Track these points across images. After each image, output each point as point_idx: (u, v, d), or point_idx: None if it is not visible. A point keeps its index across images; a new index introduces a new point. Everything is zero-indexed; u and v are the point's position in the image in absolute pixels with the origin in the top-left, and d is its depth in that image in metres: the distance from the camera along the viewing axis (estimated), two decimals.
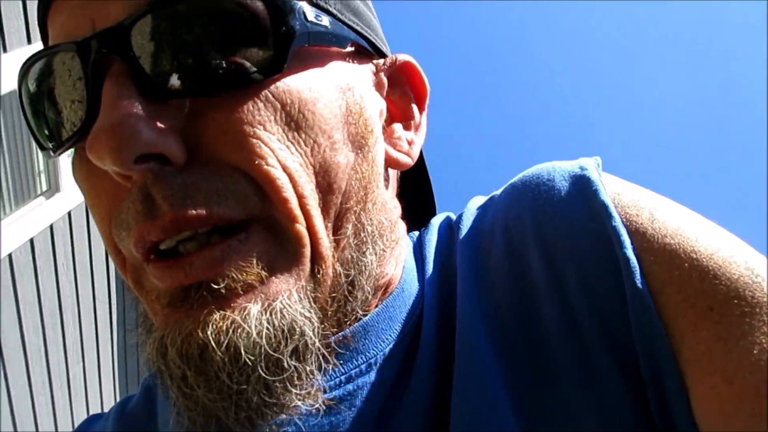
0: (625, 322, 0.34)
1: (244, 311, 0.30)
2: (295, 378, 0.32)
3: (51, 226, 2.66)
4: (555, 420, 0.34)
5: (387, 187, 0.41)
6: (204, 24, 0.31)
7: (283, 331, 0.31)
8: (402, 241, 0.44)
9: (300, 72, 0.34)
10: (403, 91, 0.43)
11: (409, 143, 0.42)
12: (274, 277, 0.32)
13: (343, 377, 0.37)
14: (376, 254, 0.37)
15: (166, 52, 0.31)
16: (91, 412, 3.15)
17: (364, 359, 0.37)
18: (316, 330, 0.32)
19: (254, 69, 0.32)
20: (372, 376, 0.37)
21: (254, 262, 0.32)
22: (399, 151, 0.41)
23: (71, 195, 2.76)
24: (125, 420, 0.46)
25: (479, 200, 0.46)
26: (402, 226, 0.45)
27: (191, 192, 0.31)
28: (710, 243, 0.34)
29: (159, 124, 0.31)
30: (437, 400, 0.36)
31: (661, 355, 0.32)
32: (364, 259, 0.36)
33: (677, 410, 0.32)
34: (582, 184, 0.38)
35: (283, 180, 0.32)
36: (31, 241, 2.58)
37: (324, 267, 0.34)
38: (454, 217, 0.47)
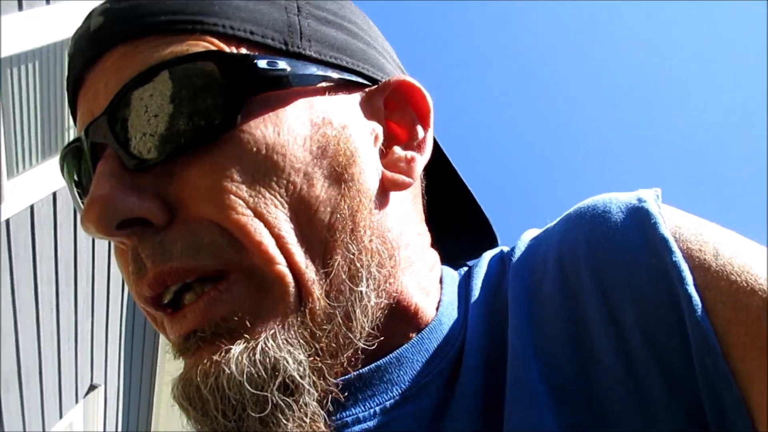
0: (686, 362, 0.33)
1: (227, 353, 0.33)
2: (287, 410, 0.33)
3: None
4: None
5: (386, 213, 0.41)
6: (162, 96, 0.35)
7: (265, 368, 0.33)
8: (431, 271, 0.44)
9: (262, 119, 0.36)
10: (404, 111, 0.43)
11: (409, 161, 0.42)
12: (257, 320, 0.34)
13: (378, 408, 0.37)
14: (374, 282, 0.38)
15: (137, 128, 0.35)
16: (94, 368, 3.21)
17: (399, 391, 0.37)
18: (303, 365, 0.34)
19: (212, 126, 0.34)
20: (408, 407, 0.37)
21: (236, 307, 0.34)
22: (397, 172, 0.41)
23: None
24: None
25: (533, 233, 0.45)
26: (429, 255, 0.45)
27: (168, 249, 0.34)
28: None
29: (138, 193, 0.34)
30: None
31: (727, 400, 0.31)
32: (358, 288, 0.37)
33: None
34: (640, 217, 0.37)
35: (255, 225, 0.34)
36: (54, 194, 2.63)
37: (311, 302, 0.35)
38: (507, 249, 0.46)
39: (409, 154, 0.42)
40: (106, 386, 3.32)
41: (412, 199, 0.45)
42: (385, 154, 0.42)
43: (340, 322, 0.36)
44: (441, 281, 0.45)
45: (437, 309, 0.42)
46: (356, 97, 0.42)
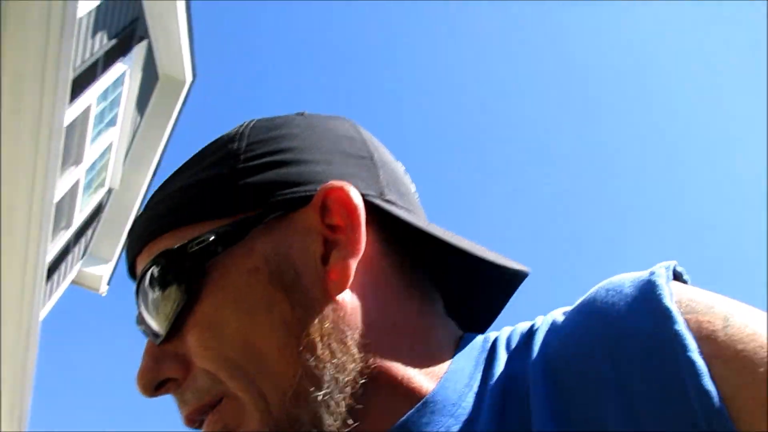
0: (693, 427, 0.34)
1: None
2: None
3: None
4: None
5: (342, 314, 0.46)
6: (152, 292, 0.48)
7: None
8: (427, 344, 0.48)
9: (212, 287, 0.46)
10: (340, 213, 0.47)
11: (343, 262, 0.46)
12: (240, 429, 0.45)
13: None
14: (336, 384, 0.43)
15: (152, 315, 0.48)
16: None
17: None
18: None
19: (181, 309, 0.46)
20: None
21: (222, 427, 0.45)
22: (335, 278, 0.46)
23: None
24: None
25: (563, 309, 0.48)
26: (420, 332, 0.49)
27: (185, 398, 0.47)
28: None
29: (161, 361, 0.47)
30: None
31: None
32: (319, 392, 0.43)
33: None
34: (647, 290, 0.40)
35: (226, 366, 0.44)
36: None
37: (278, 411, 0.43)
38: (538, 323, 0.48)
39: (341, 255, 0.46)
40: None
41: (375, 291, 0.48)
42: (327, 260, 0.47)
43: (308, 422, 0.43)
44: (456, 349, 0.49)
45: (444, 374, 0.46)
46: (292, 221, 0.47)
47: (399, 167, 0.56)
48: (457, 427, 0.42)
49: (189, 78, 6.21)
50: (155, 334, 0.47)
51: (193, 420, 0.47)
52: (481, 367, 0.46)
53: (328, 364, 0.43)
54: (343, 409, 0.43)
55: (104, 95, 4.87)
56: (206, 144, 0.54)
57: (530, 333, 0.47)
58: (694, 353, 0.35)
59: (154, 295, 0.47)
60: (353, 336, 0.45)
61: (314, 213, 0.47)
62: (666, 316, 0.37)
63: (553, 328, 0.45)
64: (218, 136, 0.54)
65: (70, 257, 5.84)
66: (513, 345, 0.48)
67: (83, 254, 6.41)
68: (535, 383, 0.41)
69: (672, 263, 0.43)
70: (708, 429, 0.33)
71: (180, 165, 0.53)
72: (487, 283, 0.55)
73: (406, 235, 0.51)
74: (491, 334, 0.51)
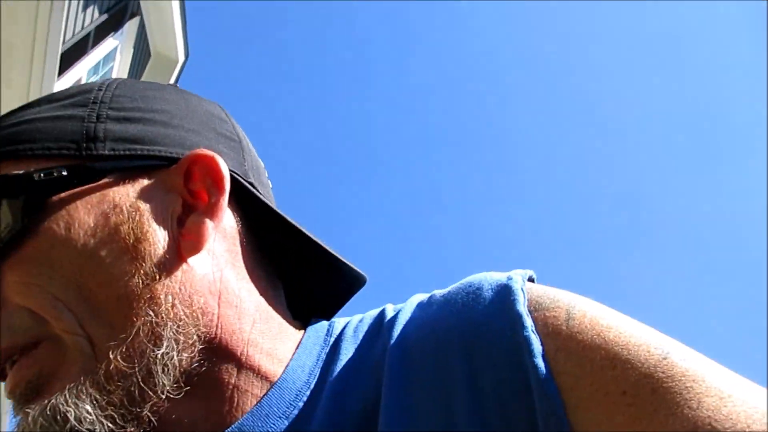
0: (533, 427, 0.36)
1: (27, 415, 0.41)
2: None
3: None
4: None
5: (193, 276, 0.46)
6: None
7: (55, 420, 0.40)
8: (264, 323, 0.48)
9: (53, 218, 0.43)
10: (203, 180, 0.47)
11: (198, 226, 0.46)
12: (55, 380, 0.42)
13: None
14: (177, 343, 0.43)
15: None
16: None
17: None
18: (91, 413, 0.40)
19: (10, 235, 0.43)
20: None
21: (38, 373, 0.42)
22: (189, 239, 0.46)
23: None
24: None
25: (419, 297, 0.49)
26: (261, 310, 0.49)
27: None
28: (622, 332, 0.38)
29: None
30: None
31: None
32: (158, 350, 0.42)
33: None
34: (503, 294, 0.42)
35: (54, 304, 0.42)
36: None
37: (106, 363, 0.41)
38: (390, 311, 0.49)
39: (200, 219, 0.46)
40: None
41: (227, 263, 0.49)
42: (183, 223, 0.47)
43: (139, 377, 0.42)
44: (301, 336, 0.50)
45: (286, 367, 0.47)
46: (153, 178, 0.47)
47: (261, 162, 0.57)
48: (288, 429, 0.43)
49: (182, 57, 6.21)
50: None
51: None
52: (321, 363, 0.47)
53: (170, 323, 0.43)
54: (178, 373, 0.42)
55: (95, 69, 4.88)
56: (66, 87, 0.52)
57: (381, 321, 0.48)
58: (538, 357, 0.38)
59: None
60: (198, 301, 0.45)
61: (178, 175, 0.47)
62: (517, 321, 0.40)
63: (412, 320, 0.46)
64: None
65: None
66: (362, 334, 0.48)
67: None
68: (390, 371, 0.42)
69: (529, 272, 0.46)
70: (544, 425, 0.36)
71: (37, 98, 0.51)
72: (327, 282, 0.57)
73: (259, 220, 0.52)
74: (337, 323, 0.51)
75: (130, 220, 0.45)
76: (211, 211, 0.47)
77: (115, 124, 0.47)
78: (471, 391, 0.39)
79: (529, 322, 0.40)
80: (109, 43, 4.89)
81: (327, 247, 0.54)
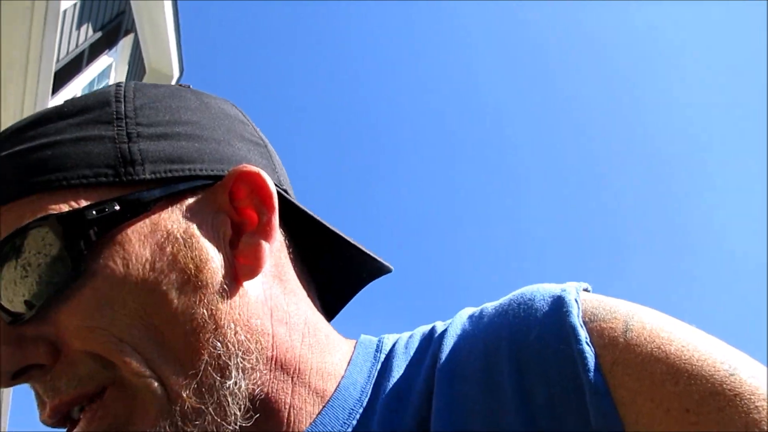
0: None
1: None
2: None
3: None
4: None
5: (249, 299, 0.44)
6: (17, 260, 0.40)
7: None
8: (314, 338, 0.47)
9: (109, 255, 0.40)
10: (249, 198, 0.45)
11: (255, 248, 0.44)
12: (131, 426, 0.39)
13: None
14: (243, 372, 0.42)
15: (8, 290, 0.40)
16: None
17: None
18: None
19: (63, 280, 0.39)
20: None
21: (112, 423, 0.39)
22: (245, 262, 0.44)
23: None
24: None
25: (468, 311, 0.47)
26: (310, 324, 0.48)
27: (57, 385, 0.40)
28: (685, 345, 0.35)
29: (22, 343, 0.39)
30: None
31: None
32: (228, 381, 0.41)
33: None
34: (556, 306, 0.40)
35: (120, 347, 0.39)
36: None
37: (180, 403, 0.39)
38: (440, 326, 0.48)
39: (255, 240, 0.44)
40: None
41: (277, 280, 0.47)
42: (236, 244, 0.45)
43: (212, 413, 0.40)
44: (347, 347, 0.49)
45: (340, 380, 0.46)
46: (199, 199, 0.45)
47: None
48: None
49: (176, 73, 6.24)
50: (13, 314, 0.40)
51: (59, 412, 0.40)
52: (372, 380, 0.46)
53: (235, 351, 0.41)
54: (246, 401, 0.42)
55: (89, 86, 4.90)
56: (73, 98, 0.47)
57: (431, 337, 0.47)
58: (593, 371, 0.36)
59: (19, 265, 0.40)
60: (256, 324, 0.43)
61: (223, 194, 0.45)
62: (571, 333, 0.38)
63: (463, 335, 0.44)
64: (87, 93, 0.48)
65: None
66: (413, 350, 0.47)
67: None
68: (440, 387, 0.41)
69: (584, 284, 0.44)
70: None
71: (40, 113, 0.46)
72: (349, 272, 0.56)
73: (298, 228, 0.51)
74: (387, 339, 0.50)
75: (187, 247, 0.42)
76: (265, 231, 0.45)
77: (148, 143, 0.44)
78: (522, 406, 0.37)
79: (583, 333, 0.38)
80: (103, 60, 4.91)
81: (358, 245, 0.53)
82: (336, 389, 0.45)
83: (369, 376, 0.46)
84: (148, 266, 0.41)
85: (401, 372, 0.45)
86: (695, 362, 0.34)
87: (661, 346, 0.36)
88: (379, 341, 0.50)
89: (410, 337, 0.49)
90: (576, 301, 0.40)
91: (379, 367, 0.47)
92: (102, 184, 0.42)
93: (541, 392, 0.37)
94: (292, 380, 0.44)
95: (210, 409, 0.40)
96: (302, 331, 0.46)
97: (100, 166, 0.42)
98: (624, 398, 0.35)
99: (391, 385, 0.44)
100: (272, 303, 0.46)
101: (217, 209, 0.45)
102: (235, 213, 0.45)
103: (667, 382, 0.34)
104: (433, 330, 0.48)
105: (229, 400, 0.41)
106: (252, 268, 0.44)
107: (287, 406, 0.44)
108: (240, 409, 0.41)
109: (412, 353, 0.47)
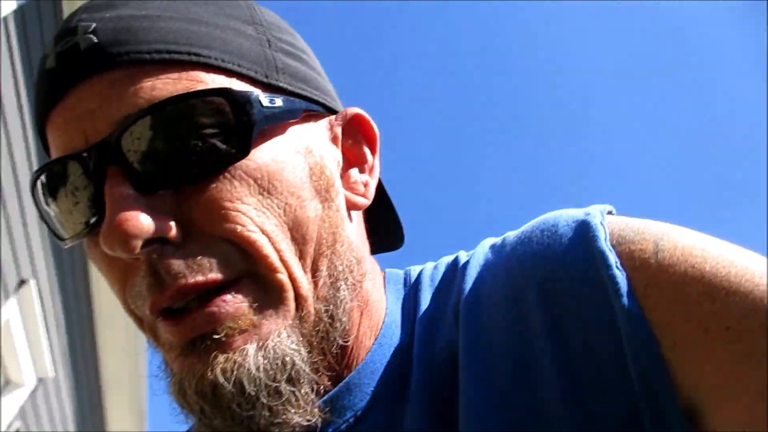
0: (622, 370, 0.35)
1: (243, 352, 0.38)
2: (293, 399, 0.39)
3: None
4: None
5: (351, 227, 0.47)
6: (177, 125, 0.38)
7: (277, 364, 0.38)
8: (374, 275, 0.49)
9: (264, 149, 0.40)
10: (356, 139, 0.49)
11: (365, 185, 0.48)
12: (264, 321, 0.39)
13: (330, 429, 0.43)
14: (348, 289, 0.43)
15: (150, 153, 0.38)
16: (21, 263, 3.10)
17: (352, 413, 0.43)
18: (304, 359, 0.39)
19: (225, 155, 0.38)
20: (361, 426, 0.43)
21: (245, 311, 0.39)
22: (356, 194, 0.47)
23: None
24: None
25: (490, 241, 0.47)
26: (372, 261, 0.51)
27: (189, 264, 0.38)
28: (720, 261, 0.34)
29: (155, 213, 0.37)
30: None
31: (662, 400, 0.33)
32: (339, 294, 0.42)
33: None
34: (583, 231, 0.39)
35: (262, 241, 0.39)
36: None
37: (306, 306, 0.41)
38: (463, 257, 0.48)
39: (364, 177, 0.48)
40: (38, 281, 3.20)
41: (360, 217, 0.51)
42: (343, 177, 0.47)
43: (327, 322, 0.42)
44: (385, 286, 0.51)
45: (384, 317, 0.48)
46: (321, 125, 0.47)
47: None
48: (395, 389, 0.44)
49: None
50: (145, 180, 0.38)
51: (183, 296, 0.38)
52: (406, 315, 0.48)
53: (346, 269, 0.43)
54: (350, 315, 0.44)
55: None
56: None
57: (455, 268, 0.48)
58: (625, 295, 0.35)
59: (175, 132, 0.38)
60: (359, 251, 0.46)
61: (338, 127, 0.48)
62: (599, 258, 0.37)
63: (487, 265, 0.44)
64: None
65: None
66: (437, 282, 0.48)
67: None
68: (465, 325, 0.41)
69: (608, 207, 0.42)
70: (635, 367, 0.34)
71: None
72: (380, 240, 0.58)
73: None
74: (412, 271, 0.52)
75: (321, 164, 0.44)
76: (372, 172, 0.49)
77: (285, 57, 0.45)
78: (552, 337, 0.37)
79: (612, 258, 0.37)
80: None
81: (398, 216, 0.58)
82: (383, 324, 0.47)
83: (402, 312, 0.48)
84: (291, 169, 0.41)
85: (428, 305, 0.47)
86: (732, 279, 0.33)
87: (695, 265, 0.35)
88: (405, 274, 0.52)
89: (434, 268, 0.50)
90: (602, 224, 0.39)
91: (410, 302, 0.49)
92: (250, 78, 0.42)
93: (571, 323, 0.37)
94: (362, 313, 0.46)
95: (325, 318, 0.42)
96: (371, 268, 0.49)
97: (250, 60, 0.42)
98: (660, 320, 0.34)
99: (421, 319, 0.46)
100: (361, 237, 0.49)
101: (332, 140, 0.47)
102: (344, 148, 0.48)
103: (705, 301, 0.33)
104: (456, 261, 0.49)
105: (339, 311, 0.42)
106: (361, 202, 0.47)
107: (354, 338, 0.45)
108: (346, 322, 0.43)
109: (437, 284, 0.48)
